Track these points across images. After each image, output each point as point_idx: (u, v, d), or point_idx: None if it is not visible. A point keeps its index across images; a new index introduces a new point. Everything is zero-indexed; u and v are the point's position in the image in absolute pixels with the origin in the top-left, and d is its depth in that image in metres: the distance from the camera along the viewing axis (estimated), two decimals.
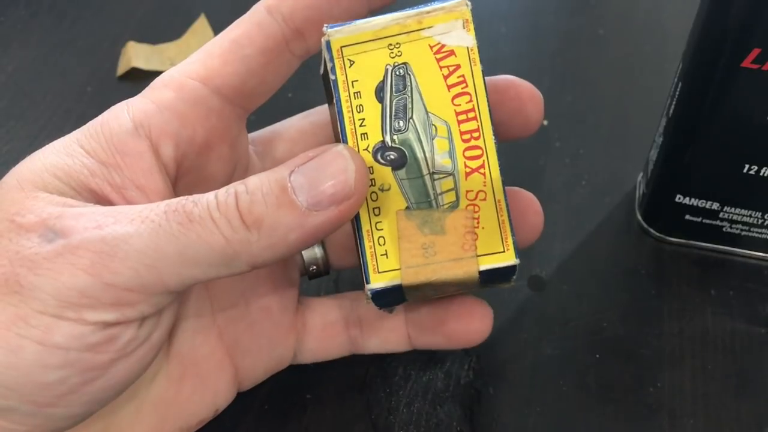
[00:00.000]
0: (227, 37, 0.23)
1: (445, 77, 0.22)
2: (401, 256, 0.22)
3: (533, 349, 0.30)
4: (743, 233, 0.31)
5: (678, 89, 0.29)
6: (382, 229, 0.22)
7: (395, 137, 0.22)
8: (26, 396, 0.20)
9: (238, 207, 0.20)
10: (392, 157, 0.22)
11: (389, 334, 0.28)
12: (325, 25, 0.22)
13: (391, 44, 0.22)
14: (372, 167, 0.22)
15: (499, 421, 0.28)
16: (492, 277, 0.23)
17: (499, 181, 0.22)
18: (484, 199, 0.22)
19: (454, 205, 0.22)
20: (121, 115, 0.22)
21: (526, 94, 0.25)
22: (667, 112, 0.30)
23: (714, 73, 0.27)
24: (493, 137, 0.22)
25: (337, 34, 0.22)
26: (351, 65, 0.22)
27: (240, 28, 0.23)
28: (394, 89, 0.22)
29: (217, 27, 0.43)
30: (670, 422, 0.28)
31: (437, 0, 0.23)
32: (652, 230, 0.33)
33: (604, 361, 0.29)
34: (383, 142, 0.22)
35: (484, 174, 0.22)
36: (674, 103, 0.29)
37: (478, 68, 0.22)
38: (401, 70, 0.22)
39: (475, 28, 0.22)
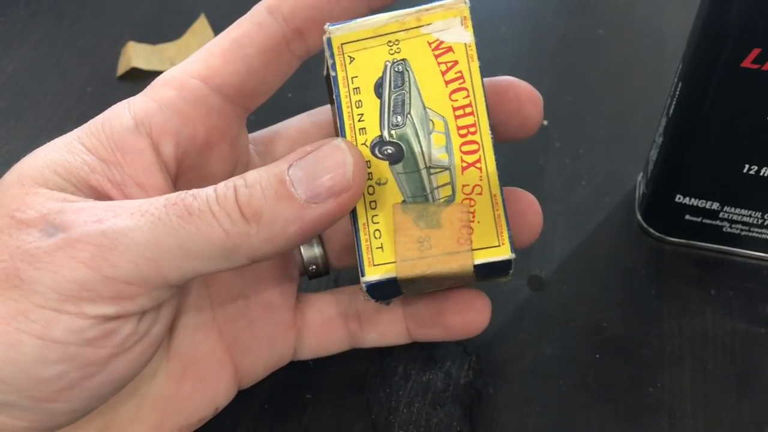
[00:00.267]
0: (228, 37, 0.24)
1: (443, 73, 0.23)
2: (397, 249, 0.22)
3: (533, 349, 0.30)
4: (743, 233, 0.31)
5: (678, 89, 0.29)
6: (378, 223, 0.22)
7: (393, 132, 0.23)
8: (25, 391, 0.20)
9: (238, 200, 0.20)
10: (389, 151, 0.23)
11: (388, 328, 0.28)
12: (327, 23, 0.23)
13: (390, 41, 0.23)
14: (369, 161, 0.22)
15: (499, 421, 0.28)
16: (488, 272, 0.23)
17: (495, 175, 0.23)
18: (480, 194, 0.23)
19: (450, 200, 0.22)
20: (122, 113, 0.23)
21: (526, 95, 0.25)
22: (667, 112, 0.30)
23: (714, 73, 0.27)
24: (490, 133, 0.23)
25: (337, 32, 0.23)
26: (351, 62, 0.23)
27: (241, 27, 0.24)
28: (392, 85, 0.23)
29: (217, 27, 0.43)
30: (670, 422, 0.28)
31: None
32: (652, 230, 0.33)
33: (604, 361, 0.29)
34: (381, 136, 0.23)
35: (480, 169, 0.23)
36: (674, 103, 0.29)
37: (475, 64, 0.23)
38: (400, 66, 0.23)
39: (473, 26, 0.23)
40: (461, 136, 0.23)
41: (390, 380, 0.29)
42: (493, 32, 0.43)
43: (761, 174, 0.29)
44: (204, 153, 0.24)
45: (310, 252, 0.28)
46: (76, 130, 0.23)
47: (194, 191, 0.21)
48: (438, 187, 0.22)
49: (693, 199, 0.31)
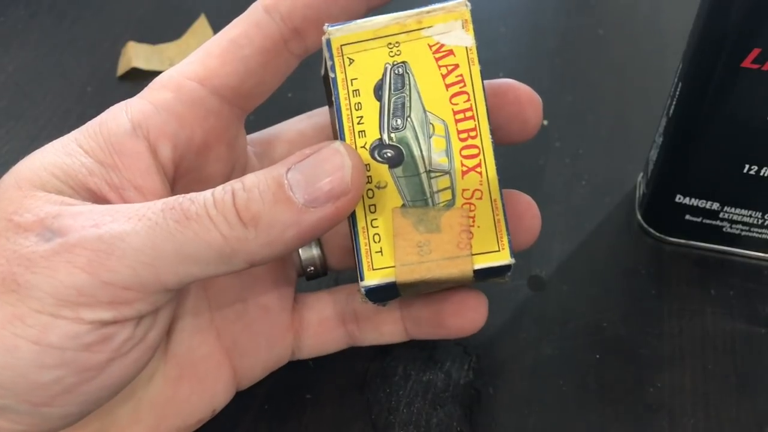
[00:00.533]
0: (226, 37, 0.23)
1: (444, 76, 0.23)
2: (396, 253, 0.22)
3: (533, 349, 0.30)
4: (743, 233, 0.31)
5: (678, 89, 0.29)
6: (377, 227, 0.22)
7: (393, 135, 0.22)
8: (22, 395, 0.20)
9: (235, 204, 0.20)
10: (389, 154, 0.22)
11: (385, 327, 0.28)
12: (326, 24, 0.23)
13: (390, 43, 0.23)
14: (369, 165, 0.22)
15: (499, 421, 0.28)
16: (486, 275, 0.23)
17: (495, 180, 0.22)
18: (480, 198, 0.22)
19: (450, 204, 0.22)
20: (120, 115, 0.22)
21: (525, 98, 0.25)
22: (667, 112, 0.30)
23: (714, 73, 0.27)
24: (490, 137, 0.23)
25: (337, 33, 0.22)
26: (350, 64, 0.23)
27: (238, 27, 0.23)
28: (392, 87, 0.22)
29: (217, 27, 0.43)
30: (670, 422, 0.28)
31: (437, 1, 0.23)
32: (652, 230, 0.33)
33: (604, 361, 0.29)
34: (380, 139, 0.22)
35: (480, 173, 0.22)
36: (674, 103, 0.29)
37: (476, 68, 0.23)
38: (400, 69, 0.22)
39: (474, 29, 0.23)
40: (461, 140, 0.22)
41: (390, 380, 0.29)
42: (493, 32, 0.43)
43: (761, 174, 0.29)
44: (202, 155, 0.24)
45: (309, 253, 0.28)
46: (73, 132, 0.23)
47: (192, 195, 0.21)
48: (438, 191, 0.22)
49: (693, 199, 0.31)
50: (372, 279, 0.22)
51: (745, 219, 0.31)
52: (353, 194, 0.21)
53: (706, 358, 0.29)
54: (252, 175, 0.21)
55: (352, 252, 0.23)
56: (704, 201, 0.31)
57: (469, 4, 0.23)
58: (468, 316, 0.26)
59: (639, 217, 0.34)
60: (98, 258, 0.19)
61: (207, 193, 0.20)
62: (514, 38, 0.43)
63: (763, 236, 0.31)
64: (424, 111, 0.22)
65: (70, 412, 0.21)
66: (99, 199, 0.22)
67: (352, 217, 0.22)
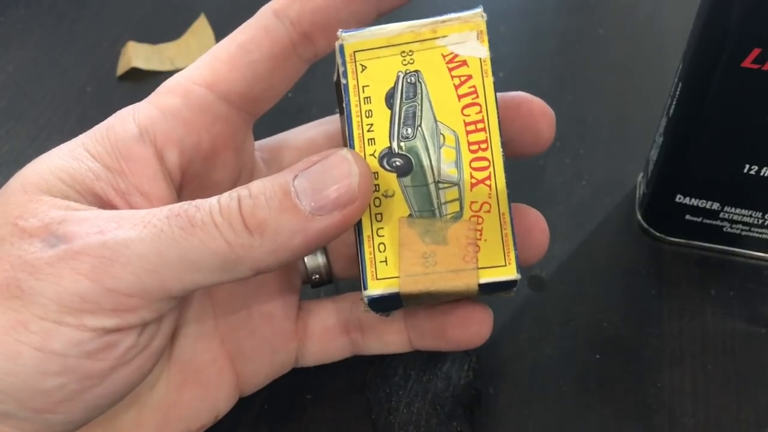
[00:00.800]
0: (234, 42, 0.23)
1: (456, 87, 0.22)
2: (401, 264, 0.22)
3: (533, 349, 0.30)
4: (743, 233, 0.31)
5: (678, 89, 0.29)
6: (383, 236, 0.22)
7: (402, 144, 0.22)
8: (24, 402, 0.20)
9: (241, 211, 0.20)
10: (398, 163, 0.22)
11: (389, 337, 0.28)
12: (340, 29, 0.22)
13: (404, 51, 0.22)
14: (377, 173, 0.22)
15: (499, 421, 0.28)
16: (491, 289, 0.22)
17: (504, 194, 0.22)
18: (489, 212, 0.22)
19: (458, 216, 0.22)
20: (127, 120, 0.22)
21: (538, 111, 0.25)
22: (667, 112, 0.30)
23: (714, 73, 0.27)
24: (501, 150, 0.22)
25: (350, 39, 0.22)
26: (363, 70, 0.22)
27: (247, 32, 0.23)
28: (404, 96, 0.22)
29: (217, 27, 0.43)
30: (670, 422, 0.28)
31: (452, 10, 0.22)
32: (652, 230, 0.33)
33: (604, 361, 0.29)
34: (390, 148, 0.22)
35: (489, 186, 0.22)
36: (674, 103, 0.29)
37: (489, 80, 0.22)
38: (412, 78, 0.22)
39: (489, 40, 0.22)
40: (472, 151, 0.22)
41: (390, 380, 0.29)
42: (492, 32, 0.42)
43: (761, 174, 0.29)
44: (208, 161, 0.24)
45: (314, 261, 0.28)
46: (80, 136, 0.23)
47: (197, 202, 0.20)
48: (446, 203, 0.22)
49: (693, 199, 0.31)
50: (376, 289, 0.22)
51: (746, 219, 0.31)
52: (360, 202, 0.21)
53: (706, 358, 0.29)
54: (258, 182, 0.21)
55: (356, 260, 0.23)
56: (704, 201, 0.31)
57: (484, 15, 0.22)
58: (472, 329, 0.26)
59: (639, 217, 0.34)
60: (102, 265, 0.19)
61: (213, 200, 0.20)
62: (514, 38, 0.43)
63: (764, 236, 0.31)
64: (435, 121, 0.22)
65: (73, 419, 0.21)
66: (105, 204, 0.22)
67: (358, 225, 0.22)
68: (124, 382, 0.21)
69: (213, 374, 0.26)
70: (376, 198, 0.22)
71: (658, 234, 0.33)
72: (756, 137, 0.28)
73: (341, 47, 0.22)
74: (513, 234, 0.22)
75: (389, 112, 0.22)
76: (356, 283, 0.24)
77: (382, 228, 0.22)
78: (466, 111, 0.22)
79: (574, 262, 0.32)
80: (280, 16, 0.23)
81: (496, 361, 0.29)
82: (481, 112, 0.22)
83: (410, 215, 0.22)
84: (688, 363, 0.29)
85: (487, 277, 0.22)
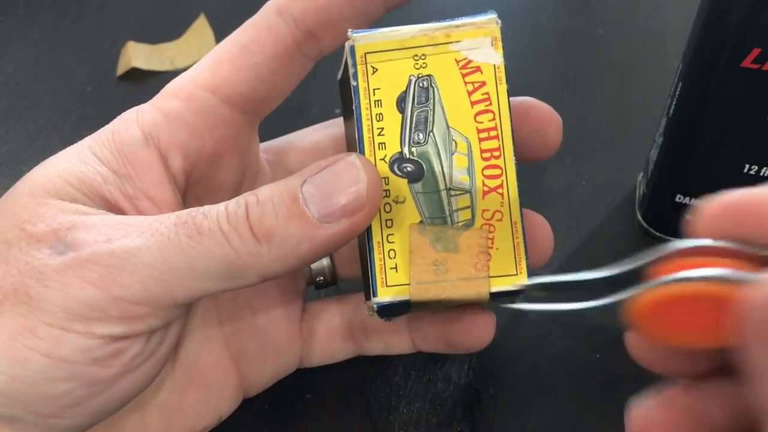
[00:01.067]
0: (237, 43, 0.23)
1: (470, 93, 0.22)
2: (412, 271, 0.22)
3: (533, 349, 0.30)
4: None
5: (678, 89, 0.29)
6: (393, 242, 0.22)
7: (414, 149, 0.22)
8: (31, 407, 0.20)
9: (248, 219, 0.20)
10: (409, 169, 0.22)
11: (393, 339, 0.28)
12: (350, 29, 0.22)
13: (416, 55, 0.22)
14: (387, 178, 0.22)
15: (499, 421, 0.28)
16: (501, 297, 0.22)
17: (516, 202, 0.22)
18: (500, 220, 0.22)
19: (469, 224, 0.22)
20: (131, 124, 0.22)
21: (546, 117, 0.25)
22: (667, 112, 0.30)
23: (714, 73, 0.27)
24: (514, 158, 0.22)
25: (362, 40, 0.22)
26: (374, 73, 0.22)
27: (249, 32, 0.23)
28: (416, 101, 0.22)
29: (217, 27, 0.43)
30: None
31: (465, 14, 0.22)
32: (652, 230, 0.33)
33: (604, 361, 0.29)
34: (401, 153, 0.22)
35: (501, 194, 0.22)
36: (674, 103, 0.29)
37: (503, 87, 0.22)
38: (425, 82, 0.22)
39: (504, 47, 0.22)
40: (484, 159, 0.22)
41: (390, 380, 0.29)
42: None
43: (761, 174, 0.29)
44: (213, 164, 0.24)
45: (319, 263, 0.28)
46: (86, 139, 0.23)
47: (205, 209, 0.20)
48: (457, 210, 0.22)
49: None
50: (385, 296, 0.22)
51: None
52: (369, 210, 0.20)
53: None
54: (266, 188, 0.20)
55: (361, 262, 0.23)
56: None
57: (499, 21, 0.22)
58: (475, 334, 0.26)
59: (639, 217, 0.34)
60: (110, 273, 0.19)
61: (220, 207, 0.20)
62: (514, 38, 0.43)
63: None
64: (448, 127, 0.22)
65: (78, 423, 0.21)
66: (113, 208, 0.22)
67: (368, 231, 0.22)
68: (130, 387, 0.21)
69: (217, 376, 0.26)
70: (386, 204, 0.22)
71: (658, 234, 0.33)
72: (756, 137, 0.28)
73: (352, 48, 0.22)
74: (525, 243, 0.22)
75: (400, 116, 0.22)
76: (359, 283, 0.24)
77: (392, 234, 0.22)
78: (479, 118, 0.22)
79: (575, 262, 0.32)
80: (284, 14, 0.23)
81: (496, 361, 0.29)
82: (494, 119, 0.22)
83: (421, 222, 0.22)
84: None
85: (499, 285, 0.22)
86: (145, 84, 0.41)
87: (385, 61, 0.22)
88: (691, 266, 0.14)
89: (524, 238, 0.22)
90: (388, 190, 0.22)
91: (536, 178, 0.36)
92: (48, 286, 0.19)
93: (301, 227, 0.20)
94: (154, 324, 0.20)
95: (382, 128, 0.22)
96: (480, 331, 0.26)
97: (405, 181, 0.22)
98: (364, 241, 0.22)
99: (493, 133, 0.22)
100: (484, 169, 0.22)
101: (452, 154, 0.22)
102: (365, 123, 0.22)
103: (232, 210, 0.20)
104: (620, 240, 0.33)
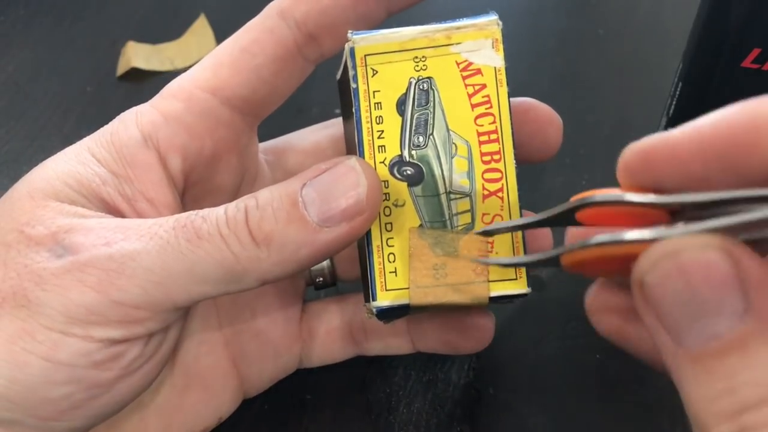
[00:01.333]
0: (238, 44, 0.23)
1: (470, 96, 0.22)
2: (411, 275, 0.22)
3: (533, 350, 0.30)
4: None
5: (678, 89, 0.29)
6: (393, 246, 0.22)
7: (413, 152, 0.22)
8: (31, 410, 0.20)
9: (248, 223, 0.20)
10: (409, 172, 0.22)
11: (393, 339, 0.28)
12: (350, 31, 0.22)
13: (416, 57, 0.22)
14: (387, 181, 0.22)
15: (499, 421, 0.28)
16: (500, 301, 0.22)
17: (516, 206, 0.22)
18: None
19: (469, 227, 0.22)
20: (130, 125, 0.22)
21: (546, 118, 0.25)
22: (667, 112, 0.30)
23: (714, 73, 0.27)
24: (514, 161, 0.22)
25: (362, 42, 0.22)
26: (374, 75, 0.22)
27: (251, 33, 0.23)
28: (416, 103, 0.22)
29: (217, 27, 0.43)
30: (670, 422, 0.28)
31: (467, 17, 0.22)
32: None
33: (604, 361, 0.29)
34: (401, 156, 0.22)
35: (502, 198, 0.22)
36: (674, 103, 0.29)
37: (504, 90, 0.22)
38: (425, 85, 0.22)
39: (504, 49, 0.22)
40: (484, 162, 0.22)
41: (390, 380, 0.29)
42: None
43: None
44: (211, 166, 0.24)
45: (319, 264, 0.28)
46: (85, 140, 0.23)
47: (204, 212, 0.20)
48: (457, 214, 0.22)
49: None
50: (385, 300, 0.22)
51: None
52: (368, 214, 0.20)
53: None
54: (266, 191, 0.20)
55: (360, 263, 0.22)
56: None
57: (500, 23, 0.22)
58: (475, 335, 0.26)
59: None
60: (109, 277, 0.19)
61: (219, 210, 0.20)
62: (514, 38, 0.43)
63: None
64: (448, 130, 0.22)
65: (78, 425, 0.21)
66: (112, 209, 0.22)
67: (367, 235, 0.22)
68: (130, 390, 0.21)
69: (216, 377, 0.26)
70: (386, 207, 0.22)
71: None
72: None
73: (352, 50, 0.22)
74: (525, 247, 0.22)
75: (400, 119, 0.22)
76: (359, 284, 0.24)
77: (391, 238, 0.22)
78: (479, 121, 0.22)
79: None
80: (286, 16, 0.22)
81: (496, 361, 0.29)
82: (494, 122, 0.22)
83: (421, 226, 0.22)
84: None
85: (498, 290, 0.22)
86: (145, 84, 0.41)
87: (385, 63, 0.22)
88: (608, 218, 0.17)
89: (524, 243, 0.22)
90: (388, 193, 0.22)
91: (536, 179, 0.36)
92: (47, 289, 0.19)
93: (301, 231, 0.20)
94: (153, 327, 0.20)
95: (382, 131, 0.22)
96: (479, 333, 0.26)
97: (405, 184, 0.22)
98: (363, 244, 0.22)
99: (493, 137, 0.22)
100: (484, 172, 0.22)
101: (452, 158, 0.22)
102: (365, 126, 0.22)
103: (231, 214, 0.20)
104: None
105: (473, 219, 0.22)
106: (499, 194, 0.22)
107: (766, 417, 0.13)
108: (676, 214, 0.16)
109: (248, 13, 0.24)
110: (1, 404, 0.19)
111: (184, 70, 0.24)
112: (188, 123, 0.23)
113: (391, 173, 0.22)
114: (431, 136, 0.22)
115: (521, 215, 0.22)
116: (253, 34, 0.23)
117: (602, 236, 0.16)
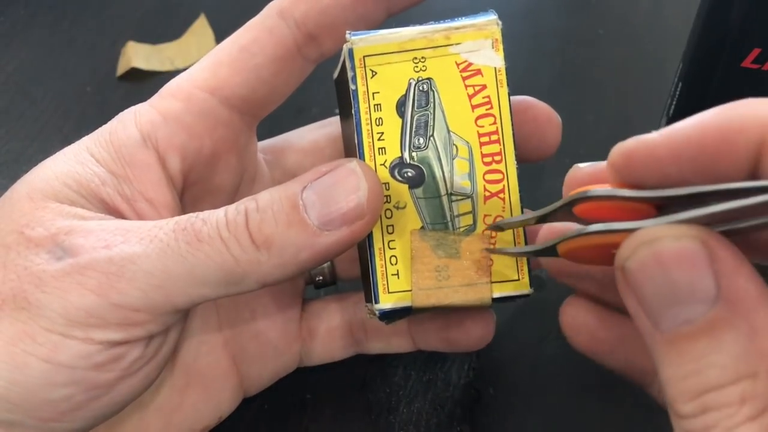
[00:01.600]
0: (237, 44, 0.23)
1: (470, 96, 0.22)
2: (413, 277, 0.22)
3: (533, 350, 0.30)
4: None
5: (678, 89, 0.29)
6: (394, 248, 0.22)
7: (414, 154, 0.22)
8: (31, 411, 0.20)
9: (248, 226, 0.20)
10: (410, 174, 0.22)
11: (393, 338, 0.28)
12: (348, 31, 0.22)
13: (416, 58, 0.22)
14: (388, 183, 0.22)
15: (499, 421, 0.28)
16: (502, 301, 0.22)
17: (518, 207, 0.22)
18: None
19: (471, 229, 0.22)
20: (129, 125, 0.22)
21: (545, 117, 0.25)
22: (667, 112, 0.30)
23: (714, 73, 0.27)
24: (515, 162, 0.22)
25: (360, 43, 0.21)
26: (373, 76, 0.22)
27: (250, 33, 0.23)
28: (416, 104, 0.22)
29: (217, 27, 0.43)
30: (670, 423, 0.27)
31: (467, 16, 0.22)
32: None
33: None
34: (401, 158, 0.22)
35: (503, 199, 0.22)
36: (674, 103, 0.29)
37: (504, 90, 0.22)
38: (425, 86, 0.22)
39: (504, 49, 0.22)
40: (485, 164, 0.22)
41: (390, 380, 0.29)
42: None
43: None
44: (210, 165, 0.24)
45: (318, 266, 0.28)
46: (84, 140, 0.23)
47: (204, 215, 0.20)
48: (459, 215, 0.22)
49: None
50: (387, 302, 0.22)
51: None
52: (369, 218, 0.20)
53: None
54: (266, 193, 0.20)
55: (360, 263, 0.22)
56: None
57: (500, 22, 0.22)
58: (476, 333, 0.26)
59: None
60: (109, 280, 0.19)
61: (219, 213, 0.20)
62: (514, 38, 0.43)
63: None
64: (448, 131, 0.22)
65: (78, 426, 0.21)
66: (111, 210, 0.22)
67: (369, 238, 0.22)
68: (130, 391, 0.21)
69: (216, 376, 0.26)
70: (387, 209, 0.22)
71: None
72: None
73: (350, 52, 0.22)
74: (526, 243, 0.22)
75: (400, 120, 0.22)
76: (359, 283, 0.24)
77: (393, 240, 0.22)
78: (479, 122, 0.22)
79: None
80: (285, 16, 0.22)
81: (496, 361, 0.29)
82: (495, 123, 0.22)
83: (422, 228, 0.22)
84: None
85: (501, 291, 0.22)
86: (145, 84, 0.41)
87: (384, 65, 0.22)
88: (603, 213, 0.18)
89: (525, 240, 0.22)
90: (389, 195, 0.22)
91: (536, 178, 0.36)
92: (47, 292, 0.19)
93: (301, 235, 0.20)
94: (153, 329, 0.20)
95: (382, 133, 0.22)
96: (480, 331, 0.26)
97: (406, 186, 0.22)
98: (365, 246, 0.22)
99: (494, 137, 0.22)
100: (485, 173, 0.22)
101: (453, 159, 0.22)
102: (365, 128, 0.22)
103: (231, 217, 0.20)
104: None
105: (475, 220, 0.22)
106: (501, 195, 0.22)
107: (725, 398, 0.14)
108: (663, 208, 0.17)
109: (248, 13, 0.24)
110: (1, 405, 0.19)
111: (184, 70, 0.24)
112: (187, 123, 0.23)
113: (392, 175, 0.22)
114: (432, 138, 0.22)
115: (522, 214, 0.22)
116: (253, 34, 0.23)
117: (596, 225, 0.17)
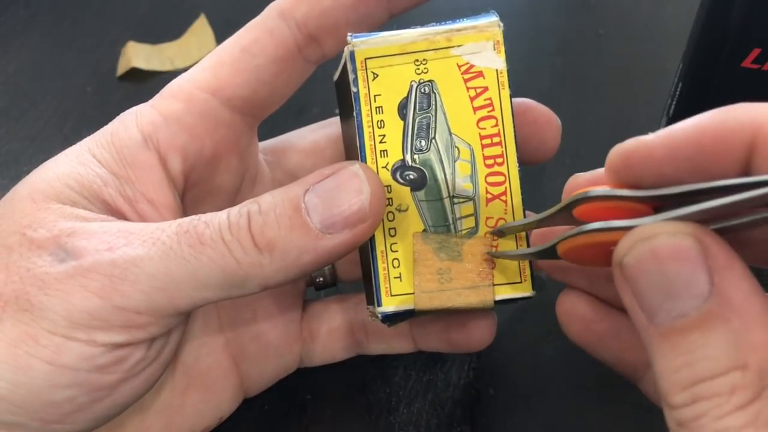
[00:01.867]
0: (238, 44, 0.23)
1: (472, 99, 0.22)
2: (416, 280, 0.22)
3: (533, 349, 0.30)
4: None
5: (678, 89, 0.29)
6: (397, 251, 0.22)
7: (416, 157, 0.22)
8: (33, 413, 0.20)
9: (251, 229, 0.20)
10: (412, 177, 0.22)
11: (394, 339, 0.28)
12: (349, 33, 0.22)
13: (417, 60, 0.22)
14: (390, 186, 0.22)
15: (499, 421, 0.28)
16: (505, 304, 0.22)
17: (520, 209, 0.22)
18: None
19: (473, 232, 0.22)
20: (130, 126, 0.22)
21: (544, 119, 0.25)
22: (667, 112, 0.30)
23: (714, 73, 0.27)
24: (518, 164, 0.22)
25: (362, 45, 0.21)
26: (374, 78, 0.22)
27: (251, 34, 0.23)
28: (417, 107, 0.22)
29: (217, 27, 0.43)
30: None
31: (468, 18, 0.22)
32: None
33: None
34: (403, 160, 0.22)
35: (505, 201, 0.22)
36: (674, 103, 0.29)
37: (506, 92, 0.22)
38: (426, 88, 0.22)
39: (506, 51, 0.22)
40: (487, 166, 0.22)
41: (390, 381, 0.29)
42: None
43: None
44: (211, 166, 0.24)
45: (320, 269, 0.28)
46: (85, 140, 0.23)
47: (206, 217, 0.20)
48: (461, 218, 0.22)
49: None
50: (390, 305, 0.22)
51: None
52: (371, 221, 0.20)
53: None
54: (269, 196, 0.20)
55: (361, 265, 0.22)
56: None
57: (501, 24, 0.22)
58: (477, 334, 0.26)
59: None
60: (111, 283, 0.19)
61: (222, 215, 0.20)
62: (514, 38, 0.43)
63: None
64: (450, 134, 0.22)
65: (81, 428, 0.21)
66: (113, 211, 0.22)
67: (371, 240, 0.22)
68: (132, 392, 0.21)
69: (217, 377, 0.26)
70: (389, 212, 0.22)
71: None
72: None
73: (352, 54, 0.21)
74: (528, 245, 0.22)
75: (402, 123, 0.22)
76: (359, 284, 0.24)
77: (395, 243, 0.22)
78: (481, 124, 0.22)
79: None
80: (286, 17, 0.22)
81: (496, 362, 0.29)
82: (497, 125, 0.22)
83: (424, 230, 0.22)
84: None
85: (503, 293, 0.22)
86: (145, 84, 0.41)
87: (386, 67, 0.22)
88: (602, 213, 0.18)
89: (528, 243, 0.22)
90: (391, 198, 0.22)
91: (536, 179, 0.36)
92: (49, 294, 0.19)
93: (303, 238, 0.20)
94: (155, 332, 0.20)
95: (384, 135, 0.22)
96: (482, 332, 0.26)
97: (408, 189, 0.22)
98: (367, 248, 0.22)
99: (496, 140, 0.22)
100: (487, 176, 0.22)
101: (455, 161, 0.22)
102: (366, 130, 0.22)
103: (234, 219, 0.20)
104: None
105: (477, 223, 0.22)
106: (503, 197, 0.22)
107: (716, 388, 0.15)
108: (660, 208, 0.18)
109: (248, 13, 0.24)
110: (4, 407, 0.19)
111: (184, 70, 0.24)
112: (188, 123, 0.23)
113: (394, 178, 0.22)
114: (433, 140, 0.22)
115: (525, 217, 0.22)
116: (254, 35, 0.23)
117: (596, 223, 0.17)
